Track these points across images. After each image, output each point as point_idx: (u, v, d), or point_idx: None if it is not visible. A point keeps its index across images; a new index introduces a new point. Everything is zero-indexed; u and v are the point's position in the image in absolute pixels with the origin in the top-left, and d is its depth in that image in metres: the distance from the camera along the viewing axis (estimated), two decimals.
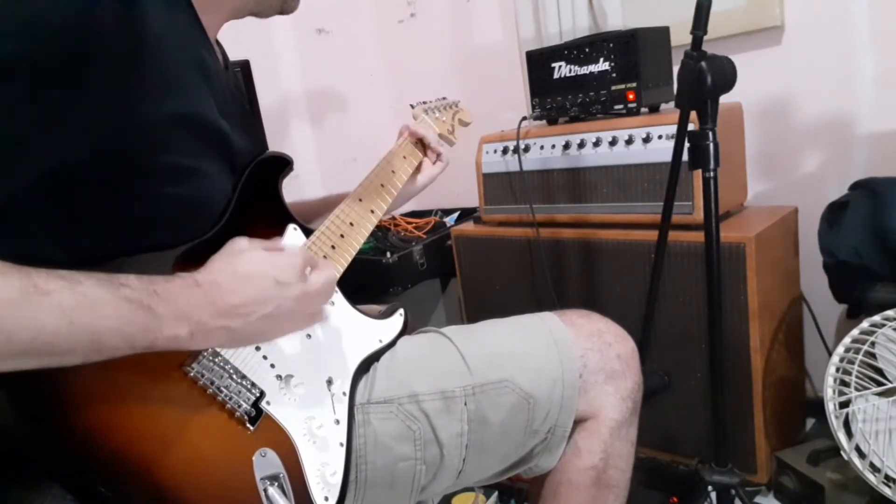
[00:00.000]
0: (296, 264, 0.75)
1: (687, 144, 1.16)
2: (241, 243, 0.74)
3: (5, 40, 0.59)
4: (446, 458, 0.89)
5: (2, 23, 0.59)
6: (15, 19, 0.59)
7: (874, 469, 1.15)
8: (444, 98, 1.32)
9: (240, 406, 0.74)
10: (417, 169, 1.16)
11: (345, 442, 0.81)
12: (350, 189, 1.04)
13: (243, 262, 0.72)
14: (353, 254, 0.94)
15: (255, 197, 0.86)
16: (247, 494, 0.71)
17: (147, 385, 0.69)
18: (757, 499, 1.52)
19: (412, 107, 1.24)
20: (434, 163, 1.19)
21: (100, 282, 0.61)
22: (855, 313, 1.43)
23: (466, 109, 1.35)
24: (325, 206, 1.07)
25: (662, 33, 1.63)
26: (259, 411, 0.75)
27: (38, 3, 0.61)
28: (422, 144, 1.16)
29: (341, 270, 0.92)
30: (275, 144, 2.04)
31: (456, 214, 2.21)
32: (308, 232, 0.91)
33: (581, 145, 1.60)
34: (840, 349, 1.25)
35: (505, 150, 1.75)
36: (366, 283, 1.82)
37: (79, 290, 0.60)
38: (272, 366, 0.79)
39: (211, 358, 0.73)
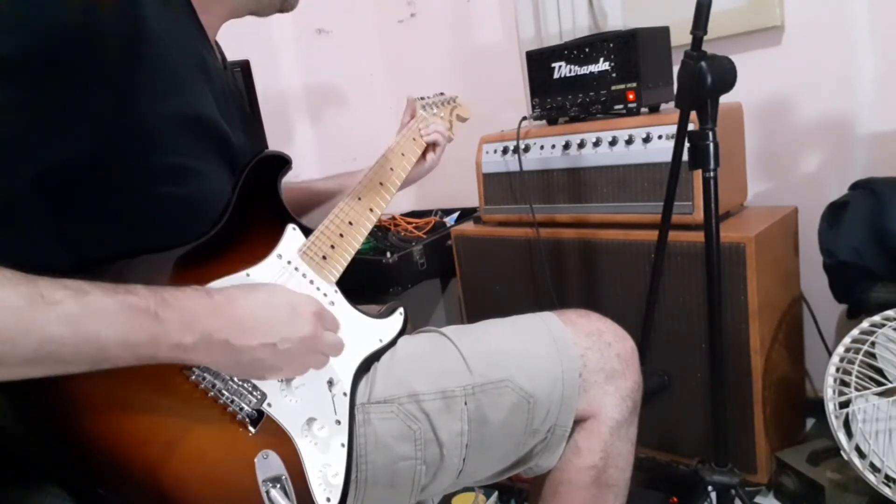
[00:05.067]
0: (314, 303, 0.76)
1: (687, 144, 1.16)
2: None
3: (5, 40, 0.59)
4: (446, 457, 0.89)
5: (1, 23, 0.59)
6: (15, 19, 0.59)
7: (874, 469, 1.15)
8: (441, 93, 1.31)
9: (241, 409, 0.73)
10: (423, 156, 1.17)
11: (346, 442, 0.81)
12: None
13: (263, 287, 0.74)
14: (353, 253, 0.94)
15: (254, 197, 0.85)
16: (249, 497, 0.71)
17: (149, 389, 0.69)
18: (757, 499, 1.52)
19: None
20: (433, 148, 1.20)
21: (106, 291, 0.61)
22: (855, 313, 1.43)
23: (464, 105, 1.34)
24: (322, 195, 1.08)
25: (662, 33, 1.63)
26: (260, 413, 0.75)
27: (39, 4, 0.60)
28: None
29: (341, 270, 0.92)
30: (275, 144, 2.03)
31: (456, 214, 2.20)
32: (307, 231, 0.91)
33: (581, 145, 1.60)
34: (840, 349, 1.25)
35: (505, 150, 1.75)
36: (366, 283, 1.82)
37: (84, 299, 0.59)
38: None
39: None
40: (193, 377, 0.71)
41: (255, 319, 0.70)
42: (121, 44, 0.66)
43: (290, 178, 0.93)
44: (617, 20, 1.85)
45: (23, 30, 0.60)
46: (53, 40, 0.61)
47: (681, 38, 1.40)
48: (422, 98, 1.25)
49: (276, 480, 0.73)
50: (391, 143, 1.14)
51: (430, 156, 1.19)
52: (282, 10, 0.97)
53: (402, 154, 1.12)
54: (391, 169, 1.08)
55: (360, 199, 1.01)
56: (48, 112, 0.62)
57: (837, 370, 1.23)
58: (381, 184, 1.05)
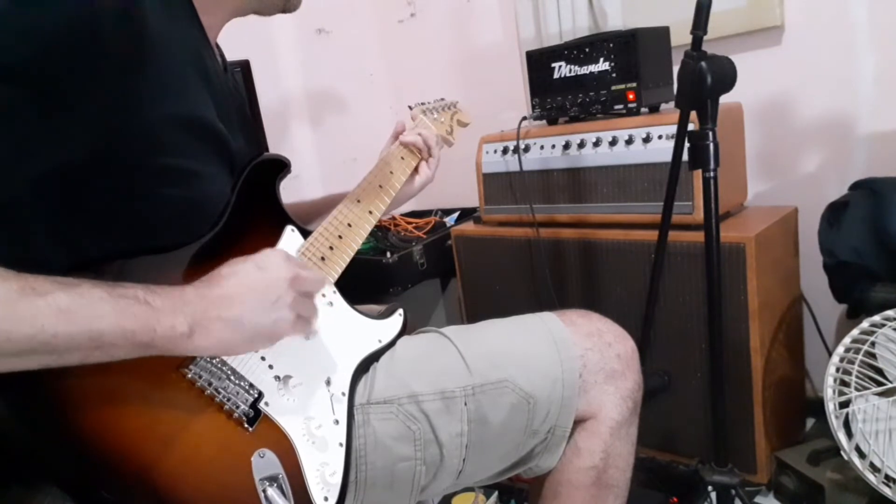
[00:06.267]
0: (275, 253, 0.76)
1: (687, 144, 1.16)
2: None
3: (5, 45, 0.59)
4: (446, 458, 0.89)
5: (2, 28, 0.59)
6: (15, 24, 0.60)
7: (874, 469, 1.15)
8: (442, 99, 1.31)
9: (238, 407, 0.74)
10: (416, 169, 1.16)
11: (344, 442, 0.81)
12: (350, 189, 1.04)
13: (226, 264, 0.73)
14: (352, 255, 0.94)
15: (253, 199, 0.86)
16: (246, 495, 0.71)
17: (145, 387, 0.69)
18: (757, 499, 1.52)
19: (410, 108, 1.24)
20: (427, 161, 1.17)
21: (95, 283, 0.62)
22: (855, 313, 1.43)
23: (465, 110, 1.34)
24: (324, 207, 1.08)
25: (662, 33, 1.63)
26: (257, 412, 0.75)
27: (39, 8, 0.61)
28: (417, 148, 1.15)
29: (339, 272, 0.92)
30: (275, 145, 2.05)
31: (456, 214, 2.20)
32: (306, 233, 0.91)
33: (581, 145, 1.60)
34: (840, 349, 1.24)
35: (505, 150, 1.75)
36: (366, 283, 1.82)
37: (76, 290, 0.60)
38: (270, 366, 0.79)
39: (209, 359, 0.74)
40: (190, 375, 0.72)
41: (234, 288, 0.70)
42: (121, 48, 0.66)
43: (289, 179, 0.93)
44: (617, 20, 1.85)
45: (23, 35, 0.60)
46: (54, 45, 0.61)
47: (681, 38, 1.40)
48: (422, 104, 1.25)
49: (272, 479, 0.73)
50: (391, 147, 1.14)
51: (424, 169, 1.16)
52: (284, 11, 0.97)
53: (402, 158, 1.12)
54: (391, 172, 1.08)
55: (359, 201, 1.01)
56: (48, 116, 0.63)
57: (837, 370, 1.23)
58: (380, 186, 1.05)
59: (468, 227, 1.91)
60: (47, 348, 0.58)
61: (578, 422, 0.95)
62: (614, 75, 1.58)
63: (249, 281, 0.72)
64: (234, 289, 0.70)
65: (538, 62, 1.71)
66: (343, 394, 0.84)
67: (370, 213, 1.01)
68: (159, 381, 0.70)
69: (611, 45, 1.57)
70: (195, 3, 0.81)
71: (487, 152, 1.80)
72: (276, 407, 0.77)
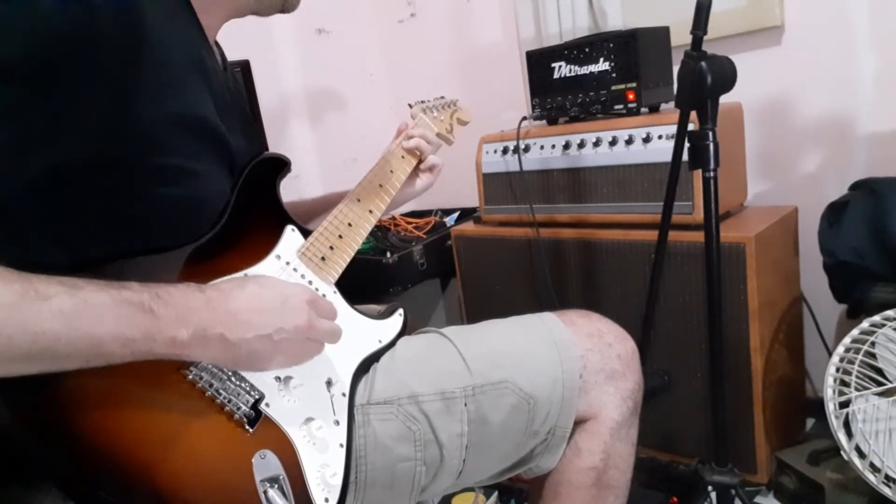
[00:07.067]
0: (303, 292, 0.76)
1: (687, 144, 1.16)
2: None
3: (4, 45, 0.59)
4: (446, 458, 0.89)
5: (1, 28, 0.59)
6: (14, 23, 0.59)
7: (874, 469, 1.15)
8: (442, 97, 1.31)
9: (239, 408, 0.73)
10: (417, 169, 1.15)
11: (345, 443, 0.81)
12: (350, 189, 1.04)
13: (254, 279, 0.73)
14: (352, 254, 0.94)
15: (253, 198, 0.85)
16: (247, 496, 0.71)
17: (146, 388, 0.69)
18: (757, 499, 1.52)
19: (410, 106, 1.24)
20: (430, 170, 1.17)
21: (100, 287, 0.62)
22: (855, 313, 1.43)
23: (465, 108, 1.34)
24: (324, 206, 1.07)
25: (662, 33, 1.63)
26: (258, 413, 0.75)
27: (37, 7, 0.60)
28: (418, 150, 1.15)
29: (340, 271, 0.92)
30: (275, 144, 2.05)
31: (456, 214, 2.20)
32: (306, 233, 0.91)
33: (581, 145, 1.60)
34: (840, 349, 1.25)
35: (505, 150, 1.75)
36: (366, 283, 1.82)
37: (79, 294, 0.60)
38: None
39: None
40: (191, 376, 0.71)
41: (248, 312, 0.70)
42: (120, 47, 0.66)
43: (289, 179, 0.93)
44: (617, 20, 1.85)
45: (22, 35, 0.60)
46: (52, 45, 0.61)
47: (681, 38, 1.40)
48: (422, 102, 1.25)
49: (273, 480, 0.72)
50: (391, 146, 1.14)
51: (427, 176, 1.16)
52: (283, 11, 0.97)
53: (402, 157, 1.12)
54: (391, 171, 1.08)
55: (359, 200, 1.01)
56: (47, 115, 0.63)
57: (837, 370, 1.23)
58: (380, 186, 1.05)
59: (468, 227, 1.91)
60: (49, 353, 0.58)
61: (579, 422, 0.95)
62: (614, 75, 1.58)
63: (265, 308, 0.71)
64: (245, 312, 0.70)
65: (538, 62, 1.71)
66: (343, 394, 0.84)
67: (370, 212, 1.01)
68: (160, 382, 0.70)
69: (611, 45, 1.57)
70: (193, 3, 0.81)
71: (487, 152, 1.80)
72: (277, 408, 0.77)
